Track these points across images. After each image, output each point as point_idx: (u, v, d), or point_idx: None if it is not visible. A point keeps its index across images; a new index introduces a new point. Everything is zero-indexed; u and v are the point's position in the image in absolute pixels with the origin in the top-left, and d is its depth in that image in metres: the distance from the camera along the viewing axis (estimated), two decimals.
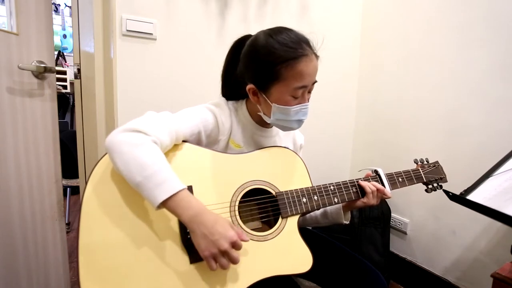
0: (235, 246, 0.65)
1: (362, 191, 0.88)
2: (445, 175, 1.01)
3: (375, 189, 0.87)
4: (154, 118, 0.73)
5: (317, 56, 0.78)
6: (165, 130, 0.71)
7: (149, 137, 0.68)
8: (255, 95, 0.81)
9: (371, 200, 0.87)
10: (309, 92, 0.80)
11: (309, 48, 0.76)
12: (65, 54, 3.21)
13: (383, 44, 1.68)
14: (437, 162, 1.03)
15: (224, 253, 0.64)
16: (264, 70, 0.76)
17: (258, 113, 0.84)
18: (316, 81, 0.79)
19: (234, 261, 0.65)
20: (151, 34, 1.25)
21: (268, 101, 0.78)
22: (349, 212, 0.93)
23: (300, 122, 0.82)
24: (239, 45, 0.84)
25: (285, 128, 0.84)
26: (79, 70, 1.43)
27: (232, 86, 0.87)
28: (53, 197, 1.12)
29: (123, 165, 0.65)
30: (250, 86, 0.80)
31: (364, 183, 0.87)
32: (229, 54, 0.87)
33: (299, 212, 0.81)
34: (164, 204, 0.64)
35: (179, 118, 0.77)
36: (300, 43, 0.75)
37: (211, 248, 0.63)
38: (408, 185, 0.94)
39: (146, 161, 0.65)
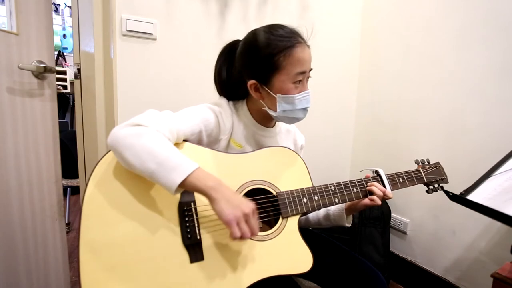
0: (254, 214, 0.67)
1: (363, 192, 0.88)
2: (446, 176, 1.00)
3: (380, 193, 0.86)
4: (155, 115, 0.73)
5: (308, 46, 0.82)
6: (166, 127, 0.71)
7: (151, 127, 0.69)
8: (257, 90, 0.82)
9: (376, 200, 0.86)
10: (307, 79, 0.83)
11: (301, 38, 0.81)
12: (65, 54, 3.20)
13: (383, 44, 1.68)
14: (438, 163, 1.02)
15: (247, 218, 0.65)
16: (263, 63, 0.78)
17: (263, 108, 0.84)
18: (312, 69, 0.82)
19: (254, 230, 0.66)
20: (151, 34, 1.25)
21: (271, 93, 0.80)
22: (351, 215, 0.94)
23: (305, 110, 0.84)
24: (230, 50, 0.87)
25: (291, 120, 0.85)
26: (79, 70, 1.43)
27: (230, 88, 0.88)
28: (53, 197, 1.12)
29: (133, 157, 0.65)
30: (251, 82, 0.81)
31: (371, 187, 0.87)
32: (219, 59, 0.89)
33: (300, 212, 0.81)
34: (182, 185, 0.65)
35: (180, 117, 0.77)
36: (294, 33, 0.80)
37: (236, 211, 0.64)
38: (409, 186, 0.94)
39: (156, 148, 0.66)
